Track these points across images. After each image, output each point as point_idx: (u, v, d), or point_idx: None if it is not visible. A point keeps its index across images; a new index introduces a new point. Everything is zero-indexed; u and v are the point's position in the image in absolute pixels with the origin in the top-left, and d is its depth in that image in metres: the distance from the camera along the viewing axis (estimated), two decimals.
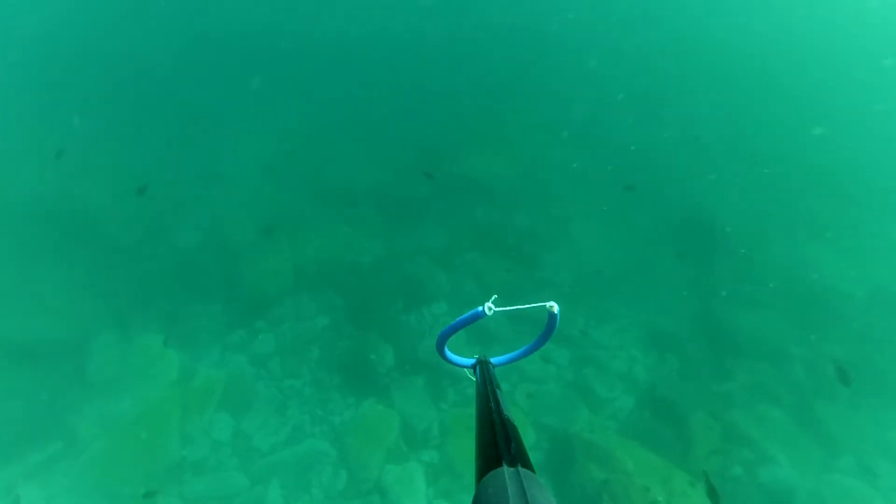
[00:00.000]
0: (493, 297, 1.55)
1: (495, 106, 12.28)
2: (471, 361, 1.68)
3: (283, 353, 7.61)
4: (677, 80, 14.63)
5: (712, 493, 5.13)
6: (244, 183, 9.91)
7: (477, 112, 11.94)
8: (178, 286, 8.21)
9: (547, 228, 9.88)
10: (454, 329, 1.63)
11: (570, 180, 10.84)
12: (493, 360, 1.68)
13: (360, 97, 11.89)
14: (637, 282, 9.13)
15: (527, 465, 1.02)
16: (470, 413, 5.85)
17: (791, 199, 10.97)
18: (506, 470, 0.99)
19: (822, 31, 18.48)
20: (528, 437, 6.81)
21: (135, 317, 7.78)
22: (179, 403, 6.97)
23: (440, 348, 1.70)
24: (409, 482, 6.38)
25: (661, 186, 10.90)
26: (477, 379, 1.51)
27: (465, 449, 6.64)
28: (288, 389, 7.29)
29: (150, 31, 13.23)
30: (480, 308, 1.52)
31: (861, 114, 14.63)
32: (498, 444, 1.09)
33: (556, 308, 1.53)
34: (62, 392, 6.78)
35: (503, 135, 11.33)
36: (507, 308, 1.59)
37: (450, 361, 1.74)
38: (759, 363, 7.91)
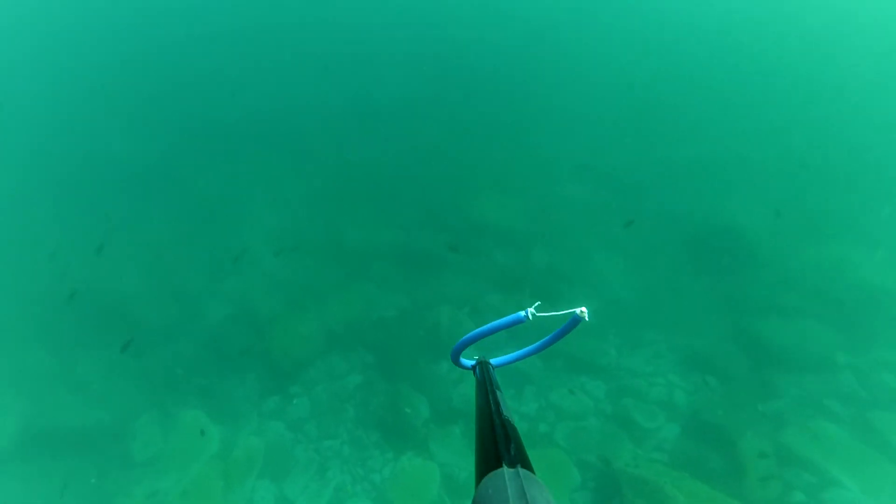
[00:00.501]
0: (536, 304, 1.55)
1: (501, 151, 12.60)
2: (471, 363, 1.68)
3: (319, 414, 7.68)
4: (678, 92, 14.79)
5: None
6: (267, 253, 10.29)
7: (484, 159, 12.26)
8: (211, 361, 8.44)
9: (565, 263, 9.89)
10: (489, 332, 1.60)
11: (583, 213, 10.92)
12: (493, 360, 1.68)
13: (369, 158, 12.34)
14: (664, 305, 8.99)
15: (526, 465, 1.02)
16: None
17: (813, 200, 10.81)
18: (506, 471, 0.99)
19: (838, 27, 18.55)
20: (573, 478, 6.62)
21: (172, 395, 8.01)
22: (222, 475, 7.05)
23: (458, 351, 1.66)
24: None
25: (674, 205, 10.91)
26: (477, 380, 1.52)
27: None
28: (326, 450, 7.31)
29: (150, 119, 14.11)
30: (523, 313, 1.53)
31: (871, 104, 14.48)
32: (498, 445, 1.09)
33: (585, 313, 1.52)
34: (110, 474, 6.94)
35: (512, 177, 11.59)
36: (548, 314, 1.59)
37: (456, 363, 1.71)
38: (805, 375, 7.60)
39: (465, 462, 6.95)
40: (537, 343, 1.74)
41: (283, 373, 8.22)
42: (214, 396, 8.08)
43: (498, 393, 1.36)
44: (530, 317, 1.50)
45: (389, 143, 12.95)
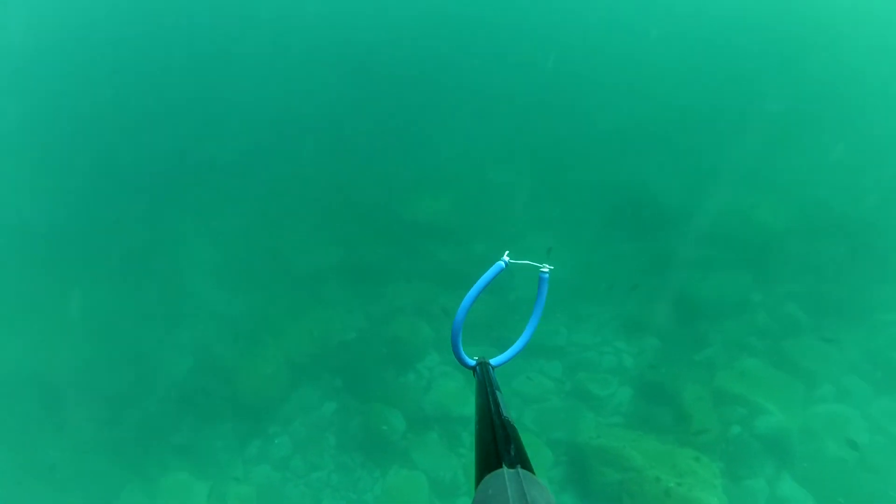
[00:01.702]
0: (506, 252, 1.73)
1: (426, 147, 12.87)
2: (471, 363, 1.71)
3: (302, 449, 7.96)
4: (589, 66, 15.41)
5: None
6: (211, 292, 10.20)
7: (410, 158, 12.51)
8: (182, 417, 8.47)
9: (503, 249, 10.43)
10: (479, 290, 1.69)
11: (517, 198, 11.49)
12: (493, 360, 1.70)
13: (299, 175, 12.24)
14: (599, 275, 9.74)
15: (526, 466, 1.03)
16: None
17: (712, 155, 11.85)
18: (506, 471, 1.00)
19: None
20: (547, 458, 7.32)
21: (150, 461, 8.03)
22: None
23: (457, 330, 1.68)
24: None
25: (596, 176, 11.67)
26: (477, 380, 1.54)
27: None
28: (316, 482, 7.64)
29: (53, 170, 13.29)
30: (502, 263, 1.70)
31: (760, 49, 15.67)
32: (498, 446, 1.10)
33: (546, 270, 1.76)
34: None
35: (441, 172, 11.95)
36: (520, 261, 1.79)
37: (456, 351, 1.73)
38: (727, 320, 8.62)
39: (447, 463, 7.49)
40: (528, 327, 1.83)
41: (257, 415, 8.39)
42: (194, 452, 8.16)
43: (498, 393, 1.39)
44: (504, 265, 1.69)
45: (317, 156, 12.89)
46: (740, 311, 8.75)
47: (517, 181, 11.91)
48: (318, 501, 7.44)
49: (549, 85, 14.47)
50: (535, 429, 7.76)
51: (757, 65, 14.93)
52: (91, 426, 8.43)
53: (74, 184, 12.72)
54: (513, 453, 1.06)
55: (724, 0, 18.07)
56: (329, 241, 10.66)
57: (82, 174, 12.97)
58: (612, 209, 10.86)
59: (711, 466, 6.39)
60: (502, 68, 15.42)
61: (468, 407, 7.93)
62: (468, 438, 7.76)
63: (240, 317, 9.67)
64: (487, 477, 1.01)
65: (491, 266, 1.71)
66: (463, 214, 10.92)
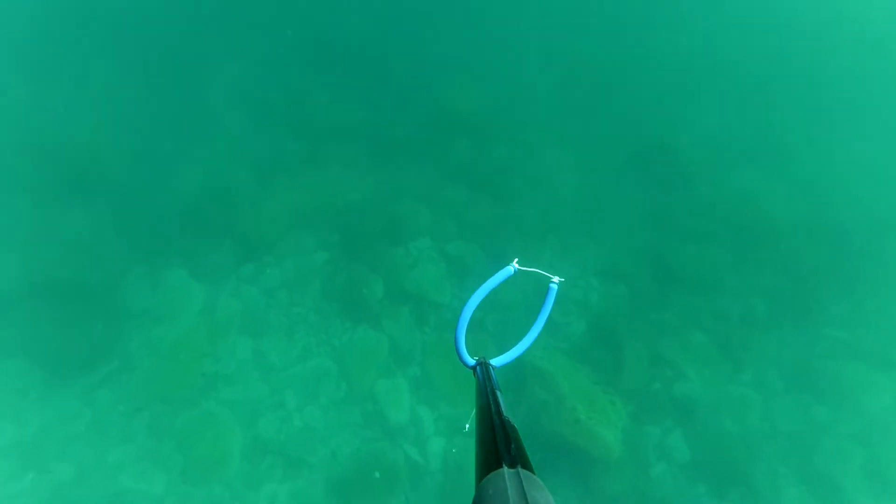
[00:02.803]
0: (515, 259, 1.76)
1: (473, 35, 12.04)
2: (472, 363, 1.71)
3: (289, 285, 8.91)
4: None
5: None
6: (234, 116, 10.31)
7: (456, 44, 11.78)
8: (188, 225, 9.22)
9: (520, 157, 10.56)
10: (486, 293, 1.69)
11: (547, 106, 11.23)
12: (493, 361, 1.70)
13: (340, 26, 11.58)
14: (598, 213, 10.10)
15: (527, 466, 1.03)
16: (446, 339, 7.41)
17: (752, 127, 11.47)
18: (506, 471, 1.01)
19: None
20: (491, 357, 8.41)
21: (157, 253, 8.94)
22: (207, 328, 8.48)
23: (461, 328, 1.66)
24: (397, 392, 8.12)
25: (631, 112, 11.34)
26: (477, 380, 1.55)
27: (442, 367, 8.28)
28: (295, 316, 8.73)
29: None
30: (511, 269, 1.70)
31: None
32: (498, 446, 1.10)
33: (556, 281, 1.72)
34: (111, 322, 8.22)
35: (482, 64, 11.40)
36: (529, 269, 1.80)
37: (457, 336, 1.72)
38: (695, 295, 9.29)
39: (411, 337, 8.55)
40: (530, 332, 1.82)
41: (255, 244, 9.18)
42: (195, 258, 9.07)
43: (498, 393, 1.41)
44: (514, 271, 1.71)
45: (358, 22, 12.01)
46: (710, 289, 9.39)
47: (552, 95, 11.50)
48: (293, 332, 8.59)
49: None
50: (492, 330, 8.76)
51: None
52: (108, 209, 9.16)
53: None
54: (513, 453, 1.08)
55: None
56: (356, 100, 10.55)
57: None
58: (630, 153, 10.82)
59: (621, 411, 7.56)
60: None
61: (443, 297, 8.82)
62: (435, 321, 8.75)
63: (256, 150, 9.95)
64: (488, 477, 1.03)
65: (499, 270, 1.79)
66: (490, 113, 10.74)
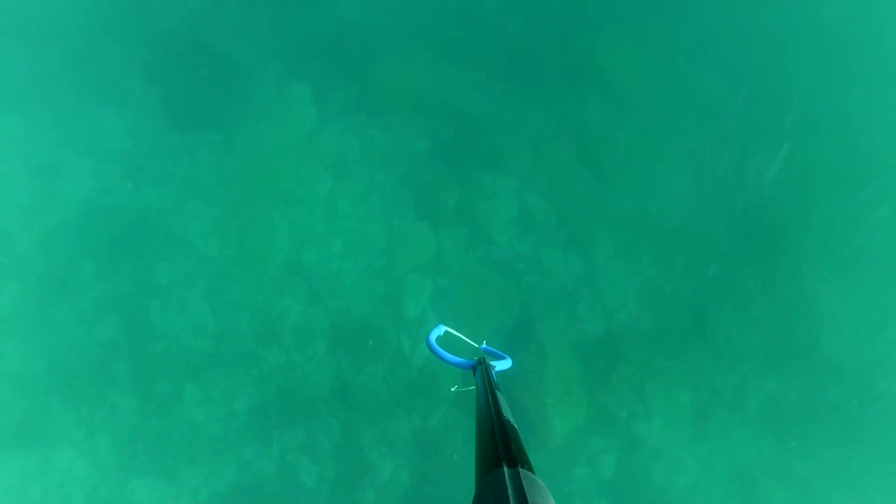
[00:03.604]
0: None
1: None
2: (471, 363, 1.72)
3: (384, 153, 9.55)
4: None
5: None
6: None
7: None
8: (335, 51, 9.65)
9: (644, 151, 10.30)
10: (442, 354, 1.66)
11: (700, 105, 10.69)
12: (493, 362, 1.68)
13: None
14: (680, 246, 10.11)
15: (526, 465, 1.07)
16: (484, 276, 8.20)
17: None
18: (506, 471, 1.03)
19: None
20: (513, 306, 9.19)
21: (297, 61, 9.54)
22: (302, 151, 9.37)
23: (436, 352, 1.66)
24: (420, 291, 9.07)
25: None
26: (477, 380, 1.58)
27: (468, 294, 9.08)
28: (375, 182, 9.49)
29: None
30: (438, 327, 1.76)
31: None
32: (497, 446, 1.12)
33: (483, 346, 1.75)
34: (232, 101, 9.14)
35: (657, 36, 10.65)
36: (454, 332, 1.83)
37: (443, 359, 1.71)
38: (706, 361, 9.63)
39: (456, 254, 9.27)
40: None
41: (377, 102, 9.64)
42: (323, 85, 9.61)
43: (498, 393, 1.43)
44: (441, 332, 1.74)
45: None
46: (723, 363, 9.69)
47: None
48: (367, 193, 9.42)
49: None
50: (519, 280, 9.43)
51: None
52: None
53: None
54: (513, 453, 1.10)
55: None
56: (513, 21, 10.20)
57: None
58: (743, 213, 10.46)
59: (583, 413, 8.43)
60: None
61: (501, 237, 9.35)
62: (482, 254, 9.40)
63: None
64: (488, 476, 1.05)
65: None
66: (640, 92, 10.25)
